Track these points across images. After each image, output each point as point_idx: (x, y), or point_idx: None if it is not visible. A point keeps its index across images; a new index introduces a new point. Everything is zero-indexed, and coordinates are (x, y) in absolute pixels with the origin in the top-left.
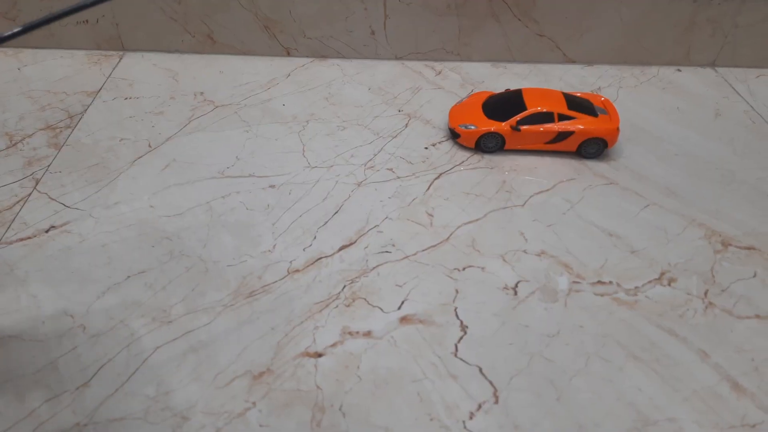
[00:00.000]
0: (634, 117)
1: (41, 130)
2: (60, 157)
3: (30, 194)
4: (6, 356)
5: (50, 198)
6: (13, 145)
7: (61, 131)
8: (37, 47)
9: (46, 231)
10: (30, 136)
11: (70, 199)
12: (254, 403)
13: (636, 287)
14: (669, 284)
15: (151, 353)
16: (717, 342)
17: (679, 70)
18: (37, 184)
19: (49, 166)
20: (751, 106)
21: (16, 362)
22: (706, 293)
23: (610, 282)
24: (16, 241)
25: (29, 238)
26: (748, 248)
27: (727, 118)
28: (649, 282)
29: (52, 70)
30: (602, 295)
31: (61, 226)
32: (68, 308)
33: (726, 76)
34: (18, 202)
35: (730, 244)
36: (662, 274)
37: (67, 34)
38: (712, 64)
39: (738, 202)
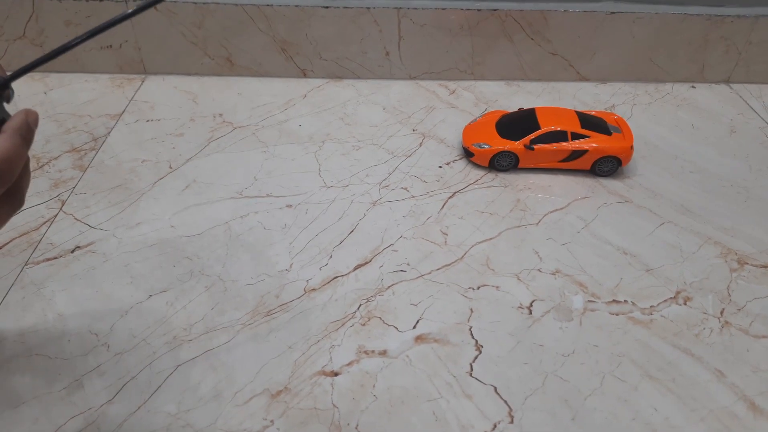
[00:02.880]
0: (648, 134)
1: (67, 152)
2: (85, 178)
3: (56, 215)
4: (33, 373)
5: (75, 219)
6: (40, 167)
7: (85, 153)
8: (62, 71)
9: (72, 251)
10: (56, 158)
11: (94, 219)
12: (272, 421)
13: (651, 306)
14: (684, 303)
15: (172, 371)
16: (733, 361)
17: (693, 87)
18: (63, 205)
19: (74, 187)
20: (766, 122)
21: (42, 379)
22: (722, 312)
23: (625, 301)
24: (43, 261)
25: (55, 258)
26: (765, 266)
27: (742, 134)
28: (665, 301)
29: (77, 93)
30: (617, 314)
31: (86, 246)
32: (93, 326)
33: (741, 92)
34: (45, 223)
35: (747, 263)
36: (678, 293)
37: (92, 58)
38: (727, 81)
39: (754, 219)
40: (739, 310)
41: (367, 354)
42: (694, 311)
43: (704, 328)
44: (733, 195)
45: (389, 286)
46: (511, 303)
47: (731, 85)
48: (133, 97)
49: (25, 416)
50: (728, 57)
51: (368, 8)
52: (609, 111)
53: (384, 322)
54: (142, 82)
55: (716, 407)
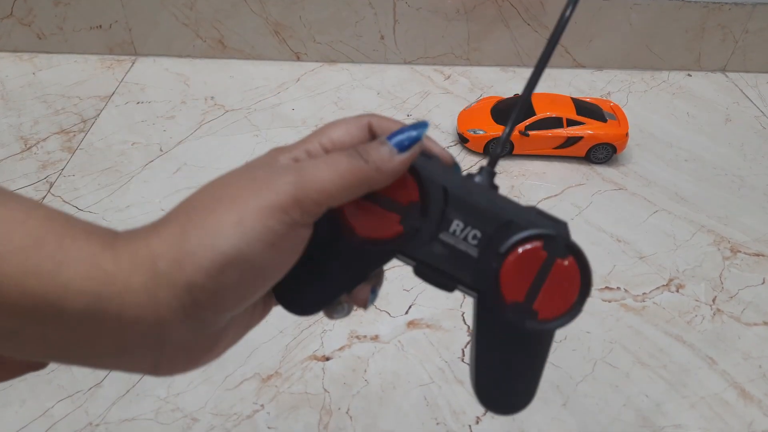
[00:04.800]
0: (643, 122)
1: (55, 134)
2: (73, 161)
3: (44, 198)
4: None
5: (64, 201)
6: (28, 149)
7: (74, 135)
8: (51, 52)
9: None
10: (44, 140)
11: (83, 202)
12: (263, 406)
13: (644, 293)
14: (677, 290)
15: None
16: (724, 349)
17: (689, 75)
18: (51, 187)
19: (62, 170)
20: (762, 112)
21: None
22: (714, 300)
23: (618, 288)
24: None
25: None
26: (757, 255)
27: (738, 123)
28: (657, 288)
29: (66, 74)
30: (610, 301)
31: None
32: None
33: (737, 81)
34: None
35: (739, 251)
36: (670, 280)
37: (81, 39)
38: (723, 70)
39: (748, 208)
40: (731, 297)
41: (359, 339)
42: (687, 298)
43: (696, 316)
44: (727, 183)
45: None
46: None
47: (727, 73)
48: (123, 79)
49: (12, 398)
50: (725, 45)
51: None
52: (605, 98)
53: (376, 308)
54: (133, 63)
55: (707, 394)
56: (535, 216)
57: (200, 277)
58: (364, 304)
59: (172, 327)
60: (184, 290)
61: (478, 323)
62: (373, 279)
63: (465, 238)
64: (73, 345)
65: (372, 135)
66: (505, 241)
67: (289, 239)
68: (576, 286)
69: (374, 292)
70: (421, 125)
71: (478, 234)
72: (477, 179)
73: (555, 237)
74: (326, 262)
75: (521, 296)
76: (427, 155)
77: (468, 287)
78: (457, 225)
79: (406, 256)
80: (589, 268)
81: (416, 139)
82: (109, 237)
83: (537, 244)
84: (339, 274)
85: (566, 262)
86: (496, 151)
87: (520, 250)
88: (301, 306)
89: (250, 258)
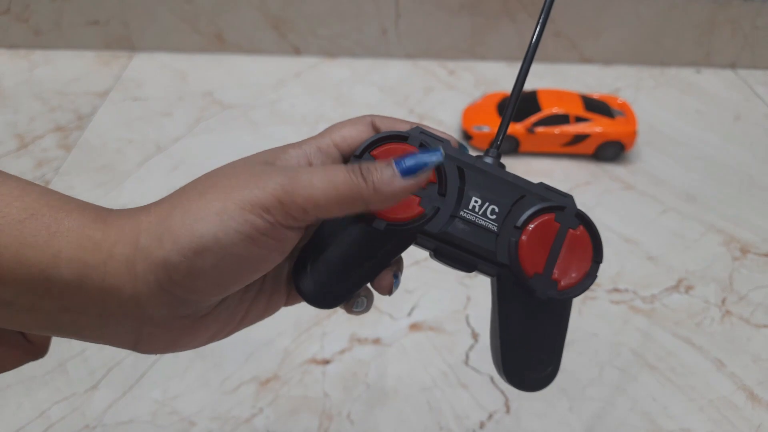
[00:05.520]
0: (652, 119)
1: (51, 131)
2: (70, 158)
3: None
4: None
5: None
6: (24, 146)
7: (71, 132)
8: (47, 48)
9: None
10: (40, 137)
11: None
12: (261, 410)
13: (653, 295)
14: (686, 292)
15: (158, 358)
16: (733, 351)
17: (698, 72)
18: (47, 185)
19: (59, 168)
20: None
21: (26, 364)
22: (723, 301)
23: (626, 289)
24: None
25: None
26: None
27: (747, 121)
28: (666, 289)
29: (63, 71)
30: (618, 302)
31: None
32: None
33: (746, 78)
34: None
35: (749, 251)
36: (680, 281)
37: (77, 34)
38: (733, 66)
39: (758, 207)
40: (741, 299)
41: (360, 342)
42: (696, 300)
43: (705, 318)
44: (736, 182)
45: None
46: None
47: (737, 70)
48: (120, 75)
49: (8, 401)
50: (734, 41)
51: None
52: (613, 95)
53: (378, 310)
54: (130, 59)
55: (715, 397)
56: (544, 190)
57: (176, 256)
58: (389, 291)
59: (149, 302)
60: (160, 266)
61: (501, 301)
62: (394, 265)
63: (484, 214)
64: (62, 315)
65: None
66: (520, 215)
67: (271, 237)
68: (589, 253)
69: (397, 277)
70: (434, 152)
71: (497, 209)
72: (487, 159)
73: (565, 208)
74: (348, 250)
75: (540, 268)
76: (437, 138)
77: (490, 262)
78: (475, 201)
79: (429, 236)
80: (599, 236)
81: (424, 166)
82: (102, 212)
83: (549, 216)
84: (361, 261)
85: (578, 232)
86: (502, 128)
87: (535, 223)
88: (323, 297)
89: (227, 247)
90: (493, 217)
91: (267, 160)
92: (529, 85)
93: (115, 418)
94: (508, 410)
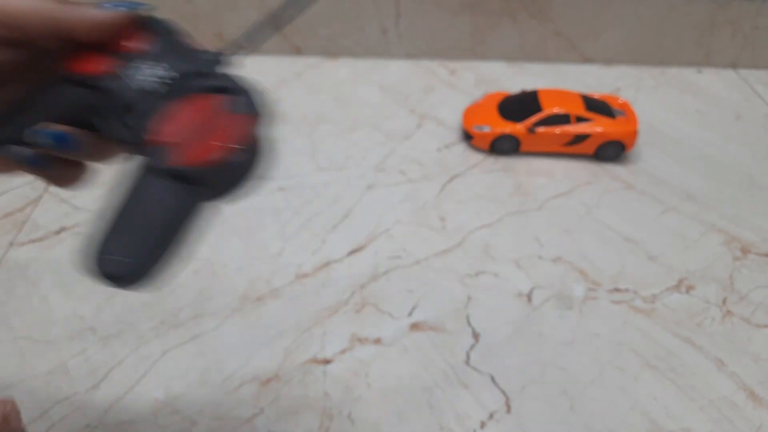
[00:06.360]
0: (652, 119)
1: None
2: None
3: (41, 196)
4: (18, 356)
5: (61, 200)
6: None
7: None
8: None
9: (57, 233)
10: None
11: (80, 200)
12: (262, 409)
13: (653, 294)
14: (687, 292)
15: (159, 357)
16: (734, 351)
17: (699, 72)
18: (48, 185)
19: None
20: None
21: (28, 362)
22: (724, 301)
23: (627, 289)
24: (28, 242)
25: (40, 239)
26: None
27: (748, 121)
28: (667, 289)
29: None
30: (618, 302)
31: (72, 227)
32: (78, 310)
33: (747, 78)
34: (29, 204)
35: (750, 251)
36: (680, 281)
37: None
38: (733, 66)
39: (758, 207)
40: (742, 299)
41: (361, 342)
42: (697, 300)
43: (706, 318)
44: (737, 182)
45: (384, 273)
46: (510, 291)
47: (737, 70)
48: None
49: None
50: (734, 41)
51: None
52: (613, 95)
53: (378, 309)
54: None
55: (716, 397)
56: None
57: None
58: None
59: None
60: None
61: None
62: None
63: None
64: None
65: None
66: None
67: None
68: (235, 132)
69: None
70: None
71: (164, 74)
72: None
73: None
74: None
75: (172, 139)
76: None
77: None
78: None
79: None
80: (262, 116)
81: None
82: None
83: (209, 94)
84: (34, 103)
85: (217, 100)
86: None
87: (187, 96)
88: None
89: None
90: (160, 80)
91: None
92: (530, 85)
93: (117, 417)
94: (508, 410)
